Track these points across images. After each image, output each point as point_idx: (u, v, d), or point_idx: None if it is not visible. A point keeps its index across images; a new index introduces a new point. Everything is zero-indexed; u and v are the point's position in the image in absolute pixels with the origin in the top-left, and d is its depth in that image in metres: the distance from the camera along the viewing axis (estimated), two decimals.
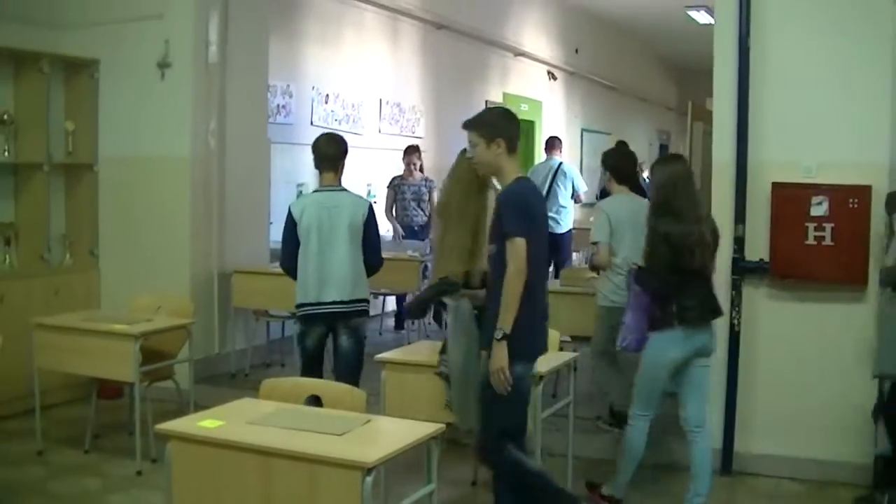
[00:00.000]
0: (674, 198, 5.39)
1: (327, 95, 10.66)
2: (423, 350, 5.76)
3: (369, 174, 11.13)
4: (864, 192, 6.04)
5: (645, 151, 21.33)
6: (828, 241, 6.10)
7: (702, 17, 16.32)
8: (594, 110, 18.84)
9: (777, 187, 6.20)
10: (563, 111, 17.45)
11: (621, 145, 9.18)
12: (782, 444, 6.32)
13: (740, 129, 6.24)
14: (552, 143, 12.38)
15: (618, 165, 7.09)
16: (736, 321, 6.33)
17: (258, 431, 3.85)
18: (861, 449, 6.16)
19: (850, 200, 6.06)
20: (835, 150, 6.14)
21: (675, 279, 5.38)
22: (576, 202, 12.08)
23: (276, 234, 9.54)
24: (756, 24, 6.23)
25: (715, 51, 6.42)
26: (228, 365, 8.41)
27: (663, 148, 23.12)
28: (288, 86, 10.01)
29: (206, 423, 3.96)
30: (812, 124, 6.19)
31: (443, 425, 3.99)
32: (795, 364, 6.30)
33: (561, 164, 12.02)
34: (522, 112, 15.56)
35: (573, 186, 11.83)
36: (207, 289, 8.22)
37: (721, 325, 6.26)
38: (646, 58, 21.86)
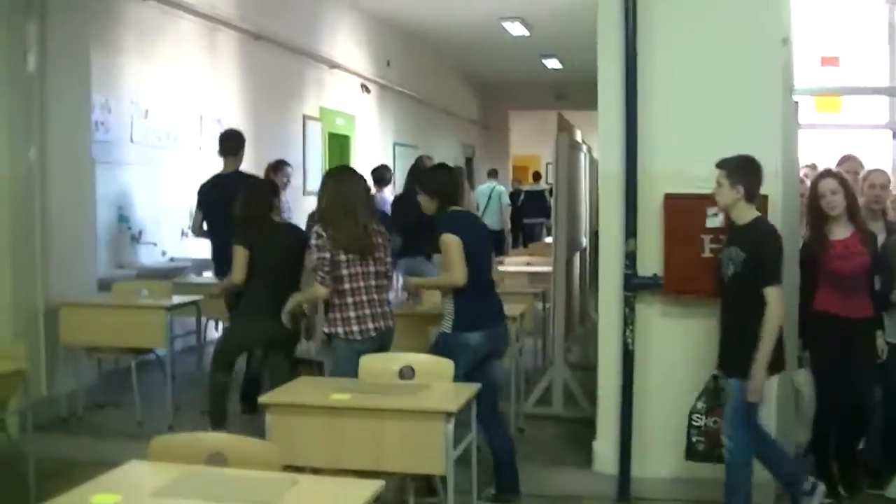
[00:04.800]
0: None
1: (147, 111, 9.88)
2: (307, 388, 5.19)
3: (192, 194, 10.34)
4: (760, 201, 5.80)
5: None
6: None
7: (516, 29, 16.21)
8: (405, 124, 18.48)
9: (670, 198, 5.90)
10: (377, 125, 17.02)
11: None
12: (679, 466, 5.98)
13: (629, 138, 5.91)
14: (492, 172, 18.83)
15: None
16: (630, 340, 5.99)
17: None
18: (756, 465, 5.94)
19: None
20: None
21: None
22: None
23: (103, 262, 8.87)
24: (642, 29, 5.92)
25: (599, 58, 6.05)
26: (59, 408, 7.49)
27: (468, 161, 23.00)
28: (106, 100, 9.19)
29: (100, 498, 3.28)
30: (703, 132, 5.93)
31: (381, 481, 3.44)
32: (691, 383, 5.96)
33: (494, 187, 17.59)
34: (338, 126, 15.07)
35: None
36: (32, 326, 7.37)
37: (614, 345, 5.98)
38: (450, 70, 21.70)
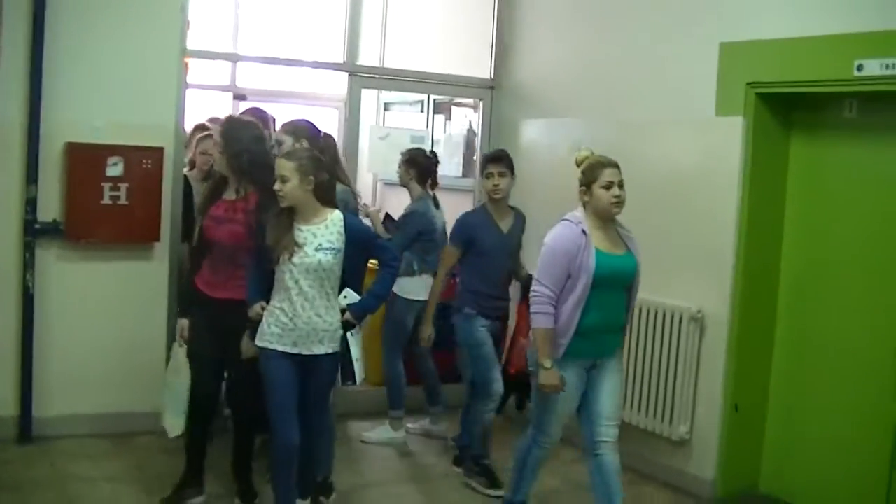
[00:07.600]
0: None
1: None
2: None
3: None
4: (157, 153, 6.35)
5: None
6: (123, 201, 6.27)
7: None
8: None
9: (72, 147, 6.18)
10: None
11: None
12: (82, 402, 6.38)
13: (33, 87, 6.07)
14: None
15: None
16: (30, 284, 6.18)
17: None
18: (151, 400, 6.36)
19: (145, 161, 6.31)
20: (125, 112, 6.34)
21: None
22: None
23: None
24: None
25: (6, 5, 6.09)
26: None
27: None
28: None
29: None
30: (106, 86, 6.31)
31: None
32: (91, 323, 6.39)
33: None
34: None
35: None
36: None
37: (13, 289, 6.15)
38: None
